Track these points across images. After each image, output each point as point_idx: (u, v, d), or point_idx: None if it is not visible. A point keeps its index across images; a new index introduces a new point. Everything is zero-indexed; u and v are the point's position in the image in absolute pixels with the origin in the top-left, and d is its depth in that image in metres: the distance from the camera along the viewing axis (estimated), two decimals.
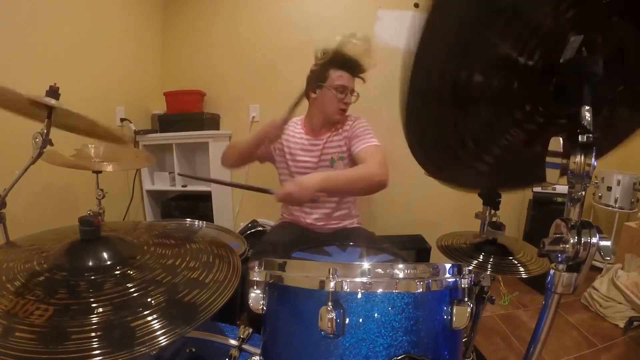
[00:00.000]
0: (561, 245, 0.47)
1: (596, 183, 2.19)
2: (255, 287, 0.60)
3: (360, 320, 0.53)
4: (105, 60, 2.00)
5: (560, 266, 0.49)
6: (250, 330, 0.77)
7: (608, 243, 0.45)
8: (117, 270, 0.56)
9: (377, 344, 0.53)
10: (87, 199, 1.47)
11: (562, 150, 0.46)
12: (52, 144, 0.89)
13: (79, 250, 0.58)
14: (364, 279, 0.53)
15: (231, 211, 2.52)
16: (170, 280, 0.55)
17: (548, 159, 0.48)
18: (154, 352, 0.43)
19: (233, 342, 0.75)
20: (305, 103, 1.36)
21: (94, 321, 0.45)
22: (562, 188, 1.77)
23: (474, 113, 0.56)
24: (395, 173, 2.33)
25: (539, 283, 2.00)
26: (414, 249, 2.07)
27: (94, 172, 1.33)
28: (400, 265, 0.55)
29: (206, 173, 2.29)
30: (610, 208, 2.11)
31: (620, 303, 1.74)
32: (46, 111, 0.88)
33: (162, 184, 2.35)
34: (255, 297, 0.60)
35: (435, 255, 1.83)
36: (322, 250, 1.03)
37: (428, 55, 0.45)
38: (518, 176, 0.68)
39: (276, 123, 1.26)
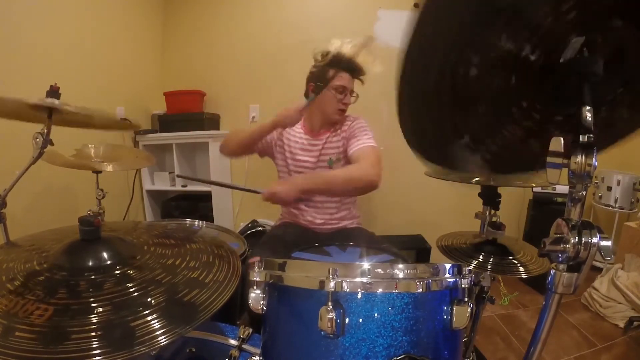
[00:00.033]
0: (562, 245, 0.47)
1: (596, 183, 2.19)
2: (255, 287, 0.60)
3: (360, 320, 0.53)
4: (105, 60, 2.00)
5: (561, 266, 0.49)
6: (250, 330, 0.77)
7: (608, 243, 0.45)
8: (117, 270, 0.56)
9: (377, 344, 0.53)
10: (87, 199, 1.47)
11: (562, 150, 0.46)
12: (52, 144, 0.89)
13: (79, 250, 0.58)
14: (364, 279, 0.53)
15: (231, 211, 2.52)
16: (170, 280, 0.55)
17: (548, 159, 0.48)
18: (153, 352, 0.43)
19: (233, 342, 0.75)
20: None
21: (94, 321, 0.45)
22: (563, 188, 1.78)
23: (471, 109, 0.55)
24: (396, 173, 2.34)
25: (539, 283, 2.00)
26: (414, 249, 2.07)
27: (94, 172, 1.33)
28: (400, 265, 0.55)
29: (206, 173, 2.29)
30: (610, 208, 2.11)
31: (620, 303, 1.74)
32: (47, 112, 0.88)
33: (162, 184, 2.36)
34: (255, 297, 0.60)
35: (435, 255, 1.84)
36: (322, 250, 1.03)
37: (425, 52, 0.45)
38: (513, 164, 0.68)
39: (296, 108, 1.22)
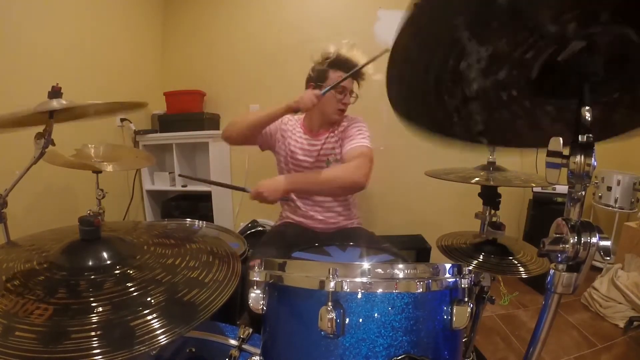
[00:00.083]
0: (561, 245, 0.47)
1: (596, 183, 2.19)
2: (255, 287, 0.60)
3: (360, 320, 0.53)
4: (105, 60, 2.00)
5: (560, 266, 0.49)
6: (250, 330, 0.77)
7: (608, 243, 0.45)
8: (117, 269, 0.56)
9: (377, 344, 0.53)
10: (87, 199, 1.47)
11: (561, 150, 0.46)
12: (54, 144, 0.89)
13: (79, 250, 0.58)
14: (364, 279, 0.53)
15: (231, 211, 2.52)
16: (170, 280, 0.55)
17: (547, 159, 0.48)
18: (153, 352, 0.43)
19: (233, 342, 0.75)
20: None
21: (93, 320, 0.45)
22: (562, 188, 1.78)
23: (463, 86, 0.55)
24: (396, 173, 2.34)
25: (539, 283, 2.00)
26: (414, 249, 2.07)
27: (94, 172, 1.33)
28: (400, 265, 0.55)
29: (206, 173, 2.29)
30: (610, 208, 2.11)
31: (620, 303, 1.74)
32: (48, 113, 0.88)
33: (162, 184, 2.36)
34: (255, 297, 0.60)
35: (435, 255, 1.84)
36: (322, 250, 1.03)
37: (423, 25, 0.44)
38: (498, 136, 0.68)
39: (314, 92, 1.18)
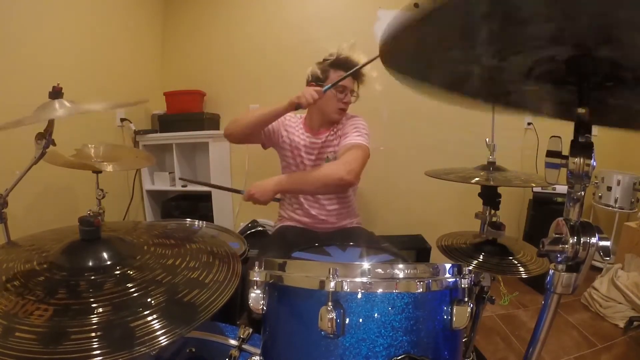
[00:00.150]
0: (560, 245, 0.47)
1: (596, 183, 2.19)
2: (255, 287, 0.60)
3: (360, 320, 0.53)
4: (105, 60, 2.00)
5: (560, 266, 0.49)
6: (250, 330, 0.77)
7: (607, 243, 0.45)
8: (117, 270, 0.56)
9: (377, 344, 0.53)
10: (87, 199, 1.47)
11: (561, 150, 0.46)
12: (54, 144, 0.89)
13: (79, 250, 0.58)
14: (364, 279, 0.53)
15: (231, 211, 2.52)
16: (170, 280, 0.55)
17: (547, 159, 0.48)
18: (153, 352, 0.43)
19: (233, 342, 0.75)
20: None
21: (93, 321, 0.45)
22: (562, 188, 1.77)
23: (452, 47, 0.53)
24: (396, 173, 2.34)
25: (539, 283, 2.00)
26: (414, 249, 2.07)
27: (94, 172, 1.33)
28: (400, 265, 0.55)
29: (206, 173, 2.29)
30: (610, 208, 2.11)
31: (620, 303, 1.74)
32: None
33: (162, 184, 2.36)
34: (255, 297, 0.60)
35: (435, 255, 1.84)
36: (322, 250, 1.03)
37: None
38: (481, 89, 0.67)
39: (316, 88, 1.18)
